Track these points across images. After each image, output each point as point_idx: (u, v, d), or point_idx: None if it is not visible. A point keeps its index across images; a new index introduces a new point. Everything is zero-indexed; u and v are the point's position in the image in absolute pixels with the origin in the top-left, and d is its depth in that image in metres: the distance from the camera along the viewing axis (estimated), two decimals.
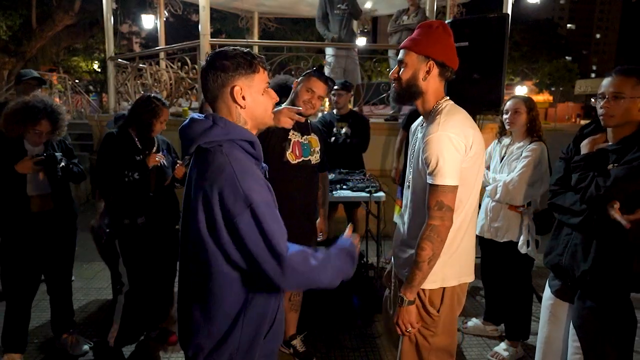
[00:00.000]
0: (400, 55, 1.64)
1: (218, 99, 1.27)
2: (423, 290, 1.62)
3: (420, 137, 1.63)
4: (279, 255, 1.15)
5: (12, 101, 2.52)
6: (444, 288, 1.63)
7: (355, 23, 6.37)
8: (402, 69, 1.63)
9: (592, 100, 1.80)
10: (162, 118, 2.58)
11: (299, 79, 2.48)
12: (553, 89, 47.96)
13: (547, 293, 2.01)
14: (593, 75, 78.15)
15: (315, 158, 2.51)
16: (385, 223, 4.12)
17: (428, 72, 1.58)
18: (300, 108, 2.25)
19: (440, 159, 1.48)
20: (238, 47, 1.28)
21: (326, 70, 5.77)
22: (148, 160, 2.55)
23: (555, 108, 50.56)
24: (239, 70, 1.24)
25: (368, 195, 3.27)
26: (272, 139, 2.36)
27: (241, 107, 1.26)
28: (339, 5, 5.66)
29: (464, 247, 1.64)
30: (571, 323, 1.84)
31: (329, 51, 5.90)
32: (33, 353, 2.73)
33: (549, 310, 1.98)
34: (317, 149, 2.53)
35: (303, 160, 2.45)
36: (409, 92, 1.62)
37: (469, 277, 1.67)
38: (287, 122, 2.10)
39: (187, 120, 1.28)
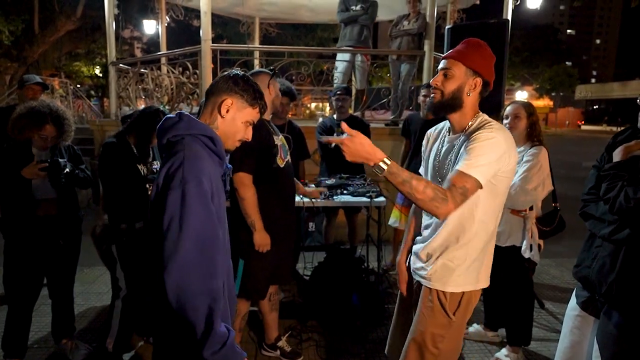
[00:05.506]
0: (445, 64, 1.62)
1: (212, 97, 1.45)
2: (444, 293, 1.65)
3: (455, 147, 1.64)
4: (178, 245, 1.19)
5: (20, 105, 2.53)
6: (463, 292, 1.65)
7: (370, 29, 5.84)
8: (446, 79, 1.61)
9: (639, 100, 1.71)
10: None
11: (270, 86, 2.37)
12: (553, 94, 48.02)
13: (572, 303, 1.90)
14: (593, 80, 78.28)
15: (289, 156, 2.56)
16: (385, 228, 4.12)
17: (473, 88, 1.61)
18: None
19: (486, 158, 1.48)
20: (254, 83, 1.48)
21: (335, 75, 5.78)
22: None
23: (556, 113, 50.59)
24: (243, 95, 1.44)
25: (369, 200, 3.26)
26: (262, 144, 2.33)
27: (221, 116, 1.44)
28: (352, 7, 5.53)
29: (489, 254, 1.70)
30: (595, 339, 1.73)
31: (342, 56, 5.83)
32: (32, 358, 2.71)
33: (572, 322, 1.88)
34: (287, 147, 2.58)
35: (287, 161, 2.49)
36: (451, 104, 1.61)
37: (485, 282, 1.70)
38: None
39: (163, 119, 1.43)
